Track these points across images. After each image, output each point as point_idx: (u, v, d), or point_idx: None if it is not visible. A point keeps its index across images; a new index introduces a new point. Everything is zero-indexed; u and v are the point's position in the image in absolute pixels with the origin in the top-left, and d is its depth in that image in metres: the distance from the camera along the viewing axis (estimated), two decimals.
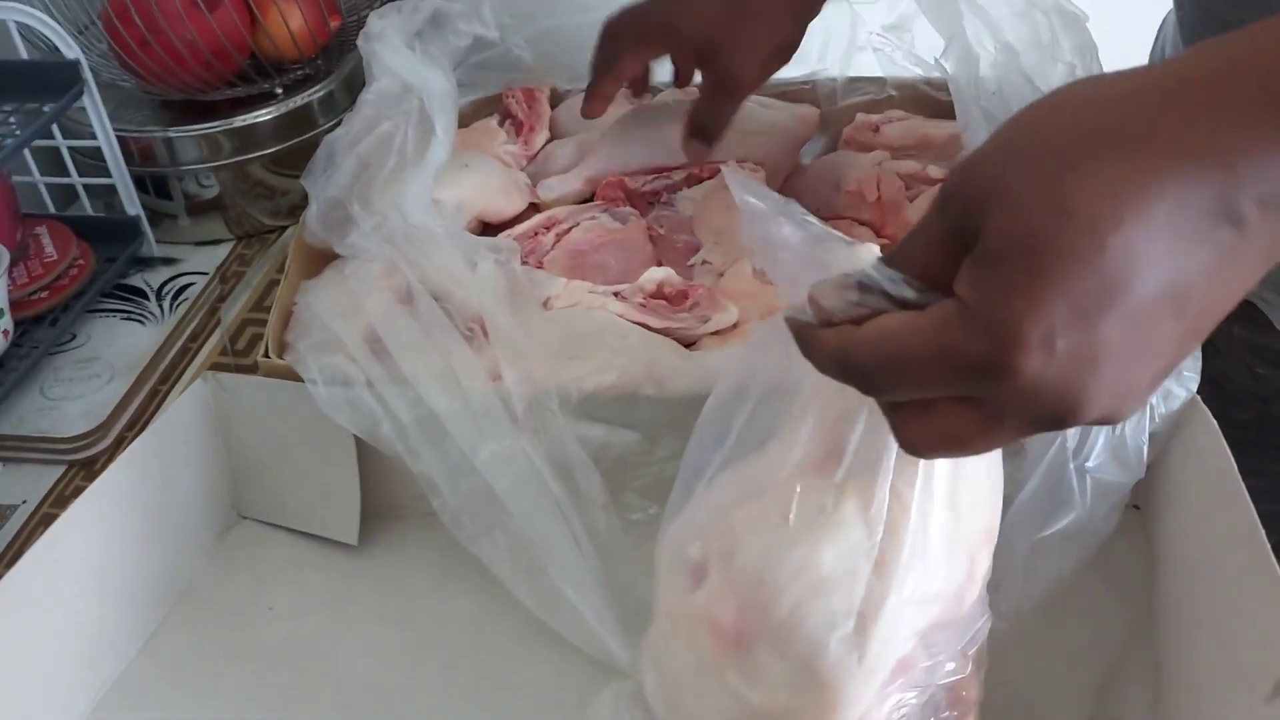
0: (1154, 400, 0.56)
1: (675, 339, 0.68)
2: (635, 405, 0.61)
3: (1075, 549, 0.54)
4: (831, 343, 0.36)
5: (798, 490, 0.42)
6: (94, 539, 0.60)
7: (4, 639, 0.55)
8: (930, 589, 0.42)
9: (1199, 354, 0.57)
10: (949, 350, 0.33)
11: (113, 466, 0.62)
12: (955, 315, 0.33)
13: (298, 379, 0.63)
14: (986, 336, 0.32)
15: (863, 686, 0.41)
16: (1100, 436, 0.55)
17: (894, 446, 0.40)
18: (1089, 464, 0.55)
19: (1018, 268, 0.32)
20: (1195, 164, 0.31)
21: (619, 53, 0.74)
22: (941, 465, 0.42)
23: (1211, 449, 0.55)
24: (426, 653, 0.61)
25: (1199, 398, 0.57)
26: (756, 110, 0.84)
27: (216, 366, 0.79)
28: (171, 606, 0.65)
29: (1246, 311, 0.71)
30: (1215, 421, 0.55)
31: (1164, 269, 0.31)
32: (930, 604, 0.43)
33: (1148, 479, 0.57)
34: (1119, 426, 0.55)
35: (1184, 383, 0.57)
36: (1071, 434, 0.54)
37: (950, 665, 0.44)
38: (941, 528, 0.42)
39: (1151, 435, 0.56)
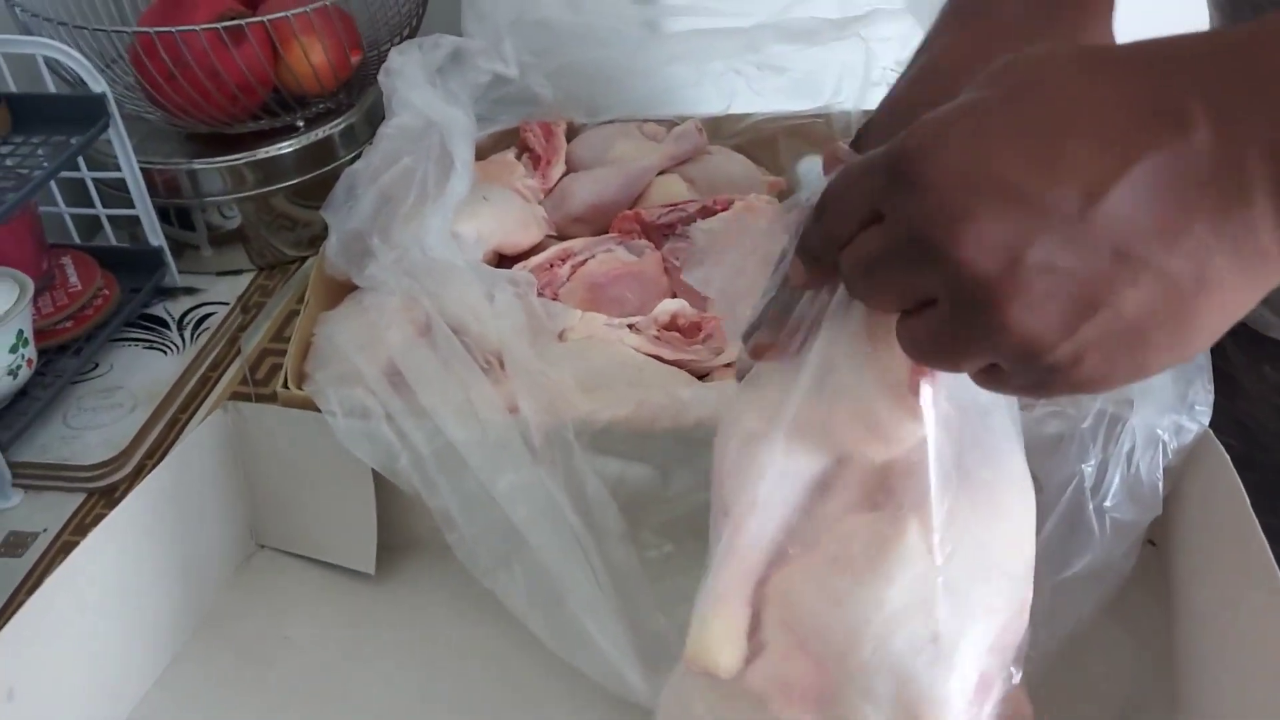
0: (1166, 436, 0.56)
1: (689, 371, 0.69)
2: (650, 439, 0.61)
3: (1097, 589, 0.54)
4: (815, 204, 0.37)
5: (846, 532, 0.42)
6: (112, 568, 0.60)
7: (22, 667, 0.55)
8: (996, 601, 0.42)
9: (1210, 387, 0.57)
10: (872, 155, 0.34)
11: (132, 495, 0.62)
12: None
13: (316, 409, 0.64)
14: (899, 139, 0.33)
15: (956, 709, 0.41)
16: (1116, 475, 0.54)
17: (938, 470, 0.41)
18: (1106, 503, 0.54)
19: (961, 99, 0.33)
20: (1147, 63, 0.31)
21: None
22: (990, 480, 0.42)
23: (1225, 484, 0.55)
24: (443, 685, 0.61)
25: (1212, 432, 0.57)
26: (722, 162, 0.86)
27: (236, 396, 0.80)
28: (190, 635, 0.65)
29: (1278, 352, 0.69)
30: (1228, 455, 0.55)
31: (1087, 128, 0.30)
32: (996, 614, 0.42)
33: (1163, 515, 0.57)
34: (1134, 463, 0.55)
35: (1195, 416, 0.57)
36: (1089, 473, 0.54)
37: (1016, 676, 0.44)
38: (1000, 541, 0.42)
39: (1165, 469, 0.56)
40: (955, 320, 0.33)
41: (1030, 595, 0.44)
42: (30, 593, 0.67)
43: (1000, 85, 0.32)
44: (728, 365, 0.69)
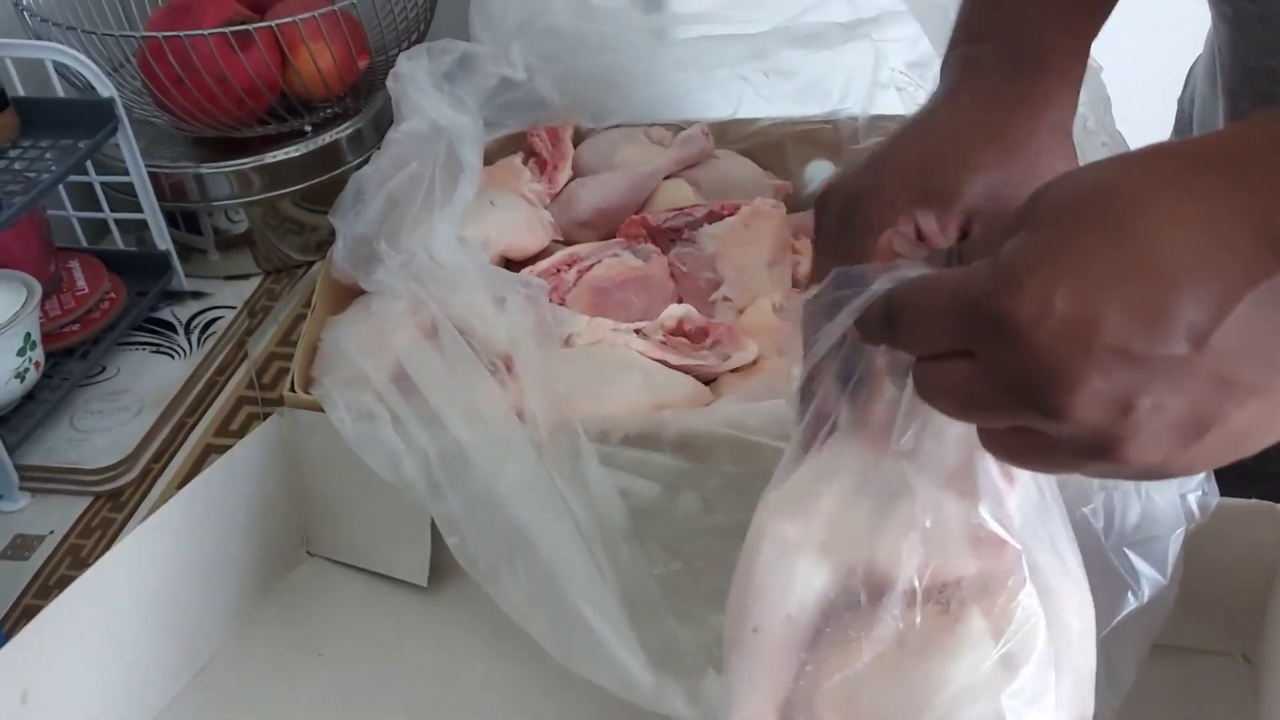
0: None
1: (696, 376, 0.69)
2: (658, 455, 0.60)
3: (1146, 626, 0.51)
4: (880, 301, 0.37)
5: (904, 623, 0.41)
6: (146, 572, 0.60)
7: (39, 671, 0.55)
8: (1063, 693, 0.42)
9: None
10: (961, 289, 0.34)
11: (178, 497, 0.62)
12: (980, 265, 0.34)
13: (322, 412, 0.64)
14: (993, 278, 0.32)
15: None
16: (1124, 505, 0.52)
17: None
18: (1126, 532, 0.52)
19: (1048, 228, 0.33)
20: (1241, 180, 0.31)
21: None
22: (1055, 575, 0.41)
23: None
24: (467, 717, 0.60)
25: None
26: (729, 166, 0.86)
27: (243, 400, 0.80)
28: (223, 644, 0.64)
29: None
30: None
31: (1188, 270, 0.30)
32: (1063, 709, 0.42)
33: (1257, 631, 0.54)
34: (1142, 489, 0.53)
35: None
36: (1091, 513, 0.52)
37: None
38: (1066, 636, 0.42)
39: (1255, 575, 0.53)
40: (1066, 451, 0.33)
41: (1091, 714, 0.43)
42: (37, 596, 0.68)
43: (1095, 220, 0.32)
44: (735, 370, 0.69)
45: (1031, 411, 0.33)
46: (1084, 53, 0.53)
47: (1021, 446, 0.35)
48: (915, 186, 0.47)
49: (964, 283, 0.34)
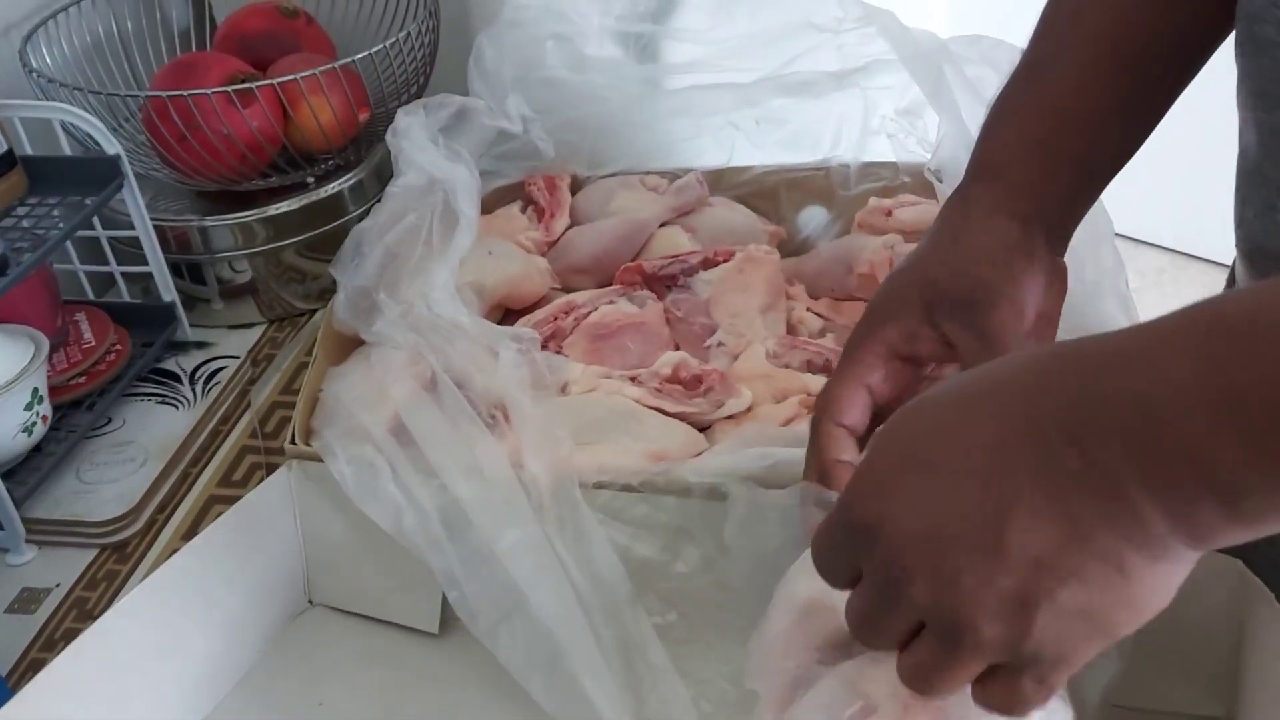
0: None
1: (690, 423, 0.70)
2: (659, 509, 0.61)
3: None
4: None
5: None
6: (154, 623, 0.61)
7: (55, 717, 0.56)
8: None
9: None
10: (827, 522, 0.41)
11: (184, 551, 0.63)
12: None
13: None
14: (849, 501, 0.40)
15: None
16: None
17: None
18: None
19: (874, 459, 0.40)
20: (1008, 394, 0.37)
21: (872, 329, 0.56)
22: None
23: None
24: None
25: (1274, 597, 0.54)
26: (724, 213, 0.87)
27: (246, 450, 0.81)
28: (226, 695, 0.65)
29: None
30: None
31: (977, 475, 0.36)
32: None
33: (1234, 685, 0.53)
34: None
35: None
36: None
37: None
38: None
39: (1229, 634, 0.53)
40: (940, 646, 0.38)
41: None
42: (43, 649, 0.69)
43: (904, 440, 0.39)
44: (729, 418, 0.70)
45: (901, 607, 0.38)
46: (1038, 161, 0.55)
47: (925, 664, 0.39)
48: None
49: (829, 519, 0.41)
